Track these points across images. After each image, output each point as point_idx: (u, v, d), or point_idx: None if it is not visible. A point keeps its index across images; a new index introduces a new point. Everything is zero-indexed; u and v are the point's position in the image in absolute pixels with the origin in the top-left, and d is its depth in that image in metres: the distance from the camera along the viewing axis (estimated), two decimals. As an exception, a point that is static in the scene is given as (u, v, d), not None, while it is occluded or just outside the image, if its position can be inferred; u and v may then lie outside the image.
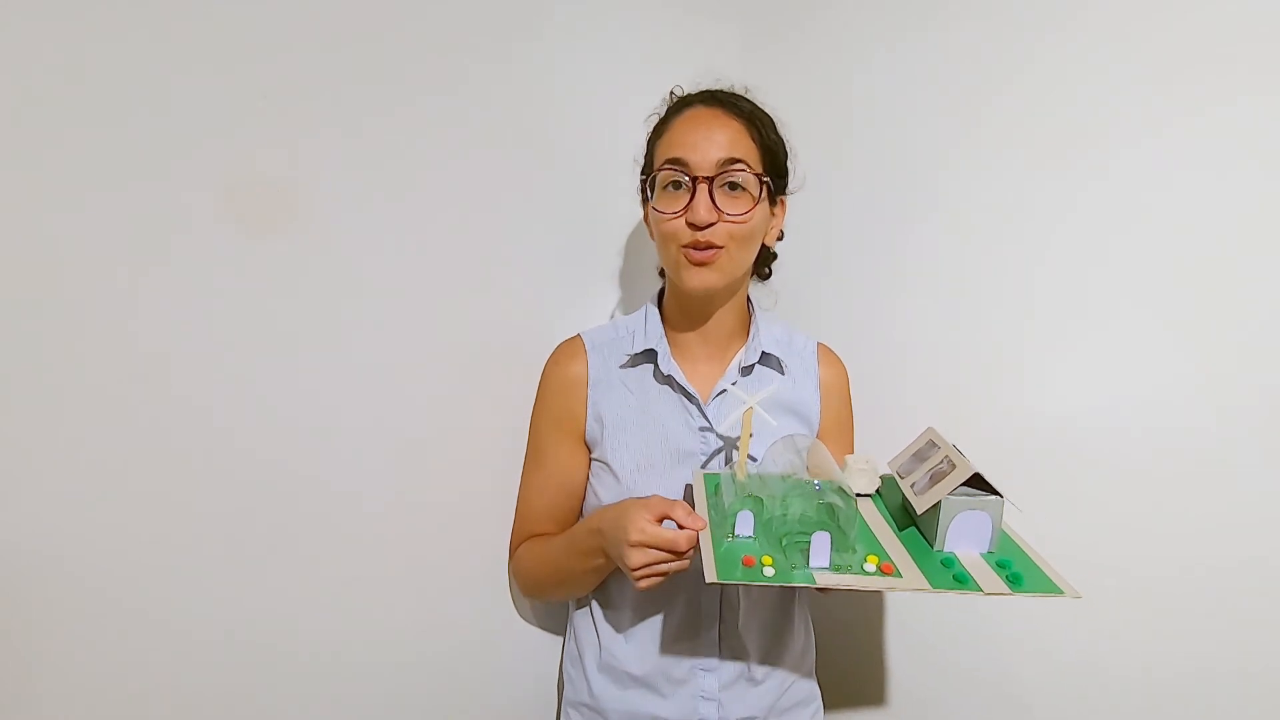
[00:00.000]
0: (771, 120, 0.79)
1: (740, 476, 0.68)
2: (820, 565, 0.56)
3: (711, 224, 0.73)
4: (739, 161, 0.73)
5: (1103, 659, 0.78)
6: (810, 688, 0.88)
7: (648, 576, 0.65)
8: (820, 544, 0.55)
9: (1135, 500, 0.75)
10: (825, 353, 0.88)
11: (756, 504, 0.61)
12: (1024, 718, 0.85)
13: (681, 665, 0.79)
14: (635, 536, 0.64)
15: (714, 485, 0.69)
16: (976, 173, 0.87)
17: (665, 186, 0.75)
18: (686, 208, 0.73)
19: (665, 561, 0.64)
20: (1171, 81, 0.71)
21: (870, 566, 0.56)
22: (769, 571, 0.55)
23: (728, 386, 0.72)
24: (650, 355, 0.81)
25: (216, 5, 0.62)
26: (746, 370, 0.82)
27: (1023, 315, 0.83)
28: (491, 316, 0.86)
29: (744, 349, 0.83)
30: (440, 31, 0.78)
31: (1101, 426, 0.77)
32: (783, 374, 0.83)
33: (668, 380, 0.80)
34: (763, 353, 0.82)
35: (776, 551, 0.58)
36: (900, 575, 0.55)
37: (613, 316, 1.01)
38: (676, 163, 0.73)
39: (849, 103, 1.00)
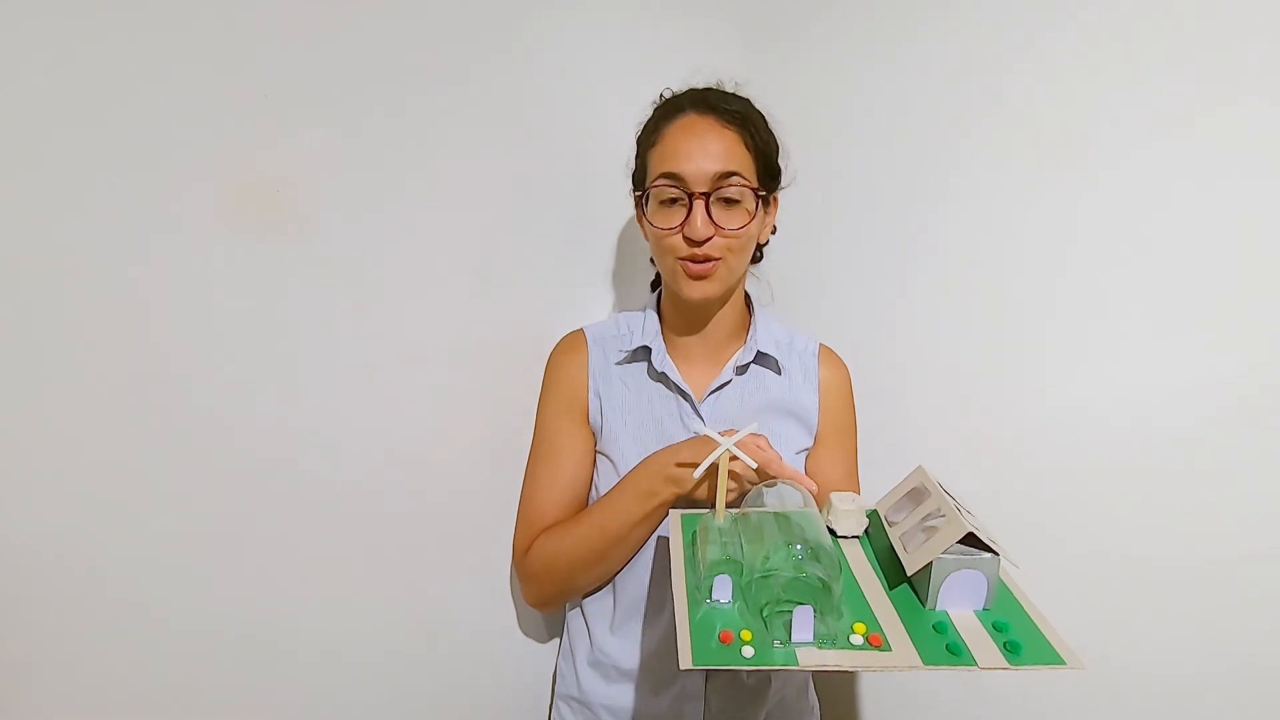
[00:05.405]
0: (763, 118, 0.75)
1: (719, 519, 0.64)
2: (803, 639, 0.52)
3: (709, 239, 0.70)
4: (735, 175, 0.70)
5: (1111, 658, 0.76)
6: (807, 698, 0.88)
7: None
8: (803, 618, 0.51)
9: (1143, 500, 0.74)
10: (826, 354, 0.85)
11: (734, 567, 0.56)
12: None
13: (670, 664, 0.79)
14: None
15: (690, 533, 0.64)
16: (981, 171, 0.84)
17: (661, 201, 0.73)
18: (683, 223, 0.71)
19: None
20: (1175, 83, 0.69)
21: (857, 638, 0.52)
22: (748, 651, 0.51)
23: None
24: (645, 352, 0.80)
25: (214, 7, 0.62)
26: (741, 370, 0.81)
27: (1028, 315, 0.81)
28: (490, 316, 0.86)
29: (741, 349, 0.81)
30: (438, 31, 0.76)
31: (1113, 425, 0.75)
32: (779, 374, 0.81)
33: (661, 378, 0.80)
34: (758, 352, 0.80)
35: (756, 621, 0.54)
36: (890, 648, 0.51)
37: (613, 314, 0.98)
38: (671, 177, 0.71)
39: (851, 101, 0.96)
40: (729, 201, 0.72)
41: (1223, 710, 0.71)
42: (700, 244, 0.72)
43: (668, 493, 0.72)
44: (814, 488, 0.67)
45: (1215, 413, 0.69)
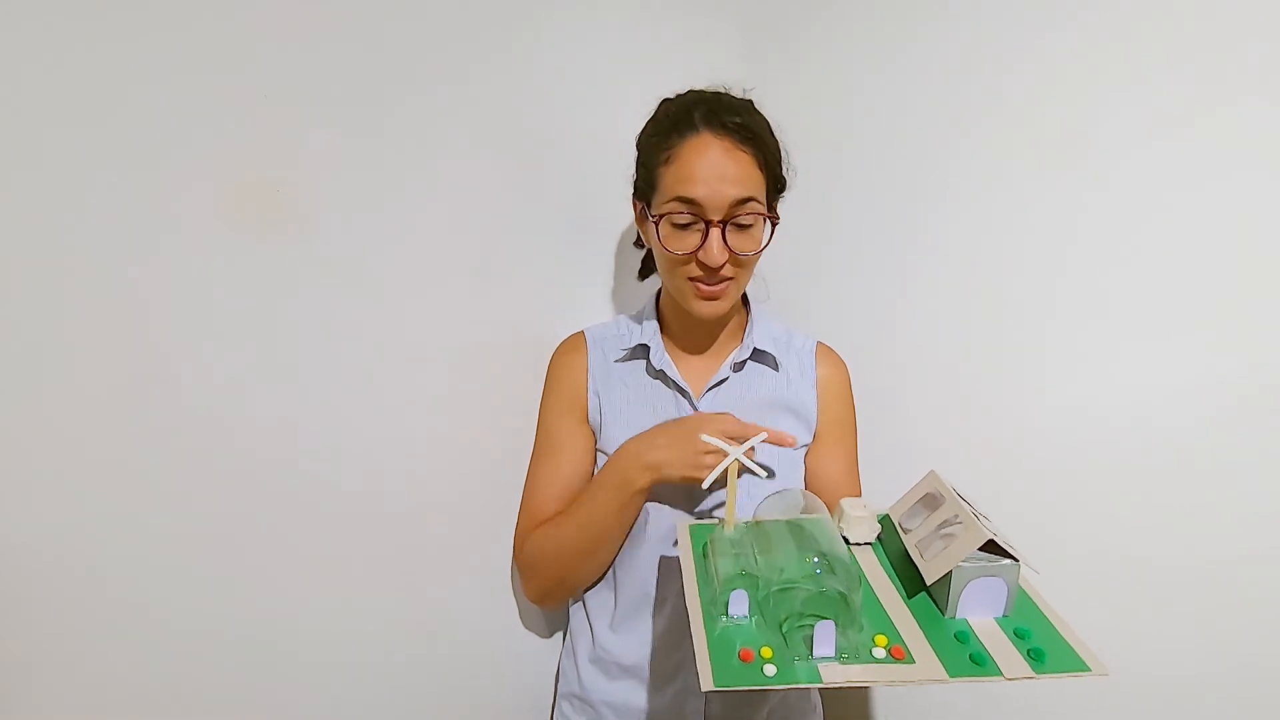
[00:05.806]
0: (768, 125, 0.74)
1: (729, 529, 0.63)
2: (825, 653, 0.51)
3: (724, 263, 0.72)
4: (751, 200, 0.70)
5: (1111, 658, 0.75)
6: (810, 697, 0.88)
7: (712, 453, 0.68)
8: (825, 633, 0.50)
9: (1143, 500, 0.74)
10: (825, 351, 0.86)
11: (750, 581, 0.56)
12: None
13: (671, 660, 0.79)
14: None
15: (702, 545, 0.64)
16: (981, 171, 0.83)
17: (674, 224, 0.72)
18: (699, 248, 0.71)
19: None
20: (1175, 83, 0.68)
21: (879, 650, 0.51)
22: (770, 670, 0.50)
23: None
24: (644, 350, 0.81)
25: (214, 6, 0.62)
26: (739, 366, 0.81)
27: (1028, 315, 0.81)
28: (490, 316, 0.86)
29: (738, 346, 0.82)
30: (439, 31, 0.76)
31: (1113, 425, 0.75)
32: (776, 371, 0.82)
33: (659, 375, 0.80)
34: (755, 349, 0.81)
35: (776, 636, 0.53)
36: (913, 660, 0.51)
37: (614, 315, 0.98)
38: (689, 203, 0.70)
39: (851, 101, 0.96)
40: (742, 226, 0.72)
41: (1223, 710, 0.70)
42: (716, 270, 0.72)
43: (644, 480, 0.73)
44: (793, 441, 0.70)
45: (1215, 413, 0.69)
